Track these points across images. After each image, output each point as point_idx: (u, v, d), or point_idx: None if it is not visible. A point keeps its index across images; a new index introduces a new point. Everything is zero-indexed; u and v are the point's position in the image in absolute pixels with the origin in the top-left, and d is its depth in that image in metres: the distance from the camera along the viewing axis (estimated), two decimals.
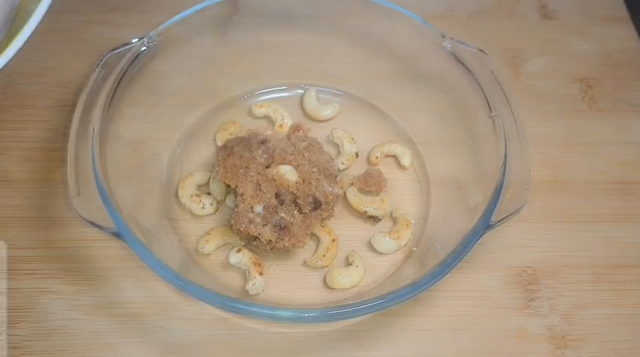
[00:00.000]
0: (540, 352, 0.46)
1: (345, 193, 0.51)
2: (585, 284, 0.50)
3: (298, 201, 0.46)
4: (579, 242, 0.52)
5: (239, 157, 0.47)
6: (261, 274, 0.46)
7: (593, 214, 0.53)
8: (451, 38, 0.50)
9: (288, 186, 0.46)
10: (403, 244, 0.49)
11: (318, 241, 0.49)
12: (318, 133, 0.55)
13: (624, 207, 0.54)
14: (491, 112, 0.47)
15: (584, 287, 0.50)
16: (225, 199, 0.51)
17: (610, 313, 0.48)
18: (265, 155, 0.48)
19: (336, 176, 0.49)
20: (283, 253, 0.48)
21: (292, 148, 0.49)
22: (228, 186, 0.47)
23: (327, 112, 0.56)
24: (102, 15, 0.63)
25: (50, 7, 0.43)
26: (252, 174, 0.46)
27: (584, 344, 0.47)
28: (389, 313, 0.46)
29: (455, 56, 0.50)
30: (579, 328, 0.47)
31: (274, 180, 0.46)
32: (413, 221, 0.50)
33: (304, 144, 0.50)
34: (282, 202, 0.46)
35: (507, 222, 0.43)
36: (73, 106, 0.46)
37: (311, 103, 0.56)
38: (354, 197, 0.51)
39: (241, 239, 0.48)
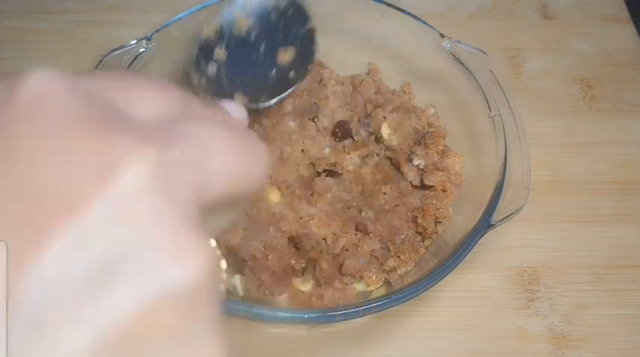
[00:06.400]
0: (541, 353, 0.46)
1: None
2: (586, 284, 0.50)
3: None
4: (579, 242, 0.52)
5: None
6: None
7: (593, 214, 0.53)
8: (450, 38, 0.50)
9: None
10: None
11: None
12: None
13: (624, 207, 0.54)
14: (491, 112, 0.47)
15: (585, 287, 0.50)
16: None
17: (610, 313, 0.48)
18: None
19: None
20: None
21: None
22: None
23: None
24: (102, 15, 0.63)
25: None
26: None
27: (585, 344, 0.47)
28: (389, 314, 0.46)
29: (454, 56, 0.50)
30: (580, 329, 0.47)
31: None
32: None
33: None
34: None
35: (508, 222, 0.43)
36: None
37: None
38: None
39: None
